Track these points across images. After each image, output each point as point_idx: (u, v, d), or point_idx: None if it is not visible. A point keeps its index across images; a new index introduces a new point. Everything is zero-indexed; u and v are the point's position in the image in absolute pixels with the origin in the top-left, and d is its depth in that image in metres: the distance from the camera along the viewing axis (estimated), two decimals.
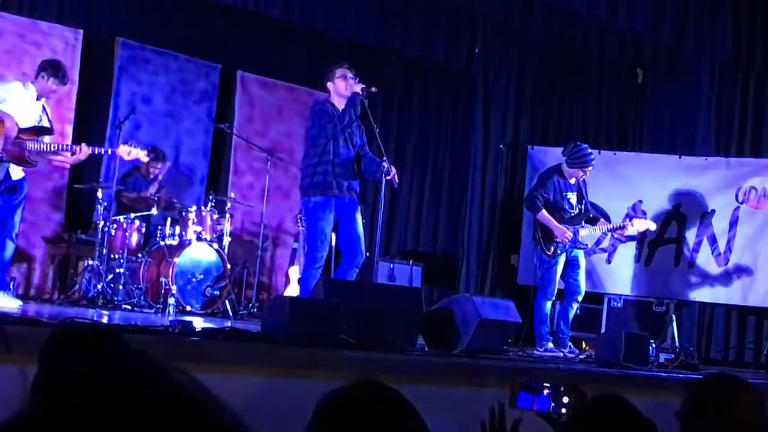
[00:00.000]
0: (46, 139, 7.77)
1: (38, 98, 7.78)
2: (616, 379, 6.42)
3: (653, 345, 8.15)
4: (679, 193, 11.10)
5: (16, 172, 7.63)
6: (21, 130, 7.52)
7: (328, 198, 7.56)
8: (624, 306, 10.87)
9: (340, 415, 1.92)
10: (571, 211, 8.92)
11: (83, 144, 7.89)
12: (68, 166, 8.70)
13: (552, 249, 8.84)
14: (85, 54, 10.50)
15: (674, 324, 10.30)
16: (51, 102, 7.96)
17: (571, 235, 8.80)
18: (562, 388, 3.05)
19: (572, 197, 8.97)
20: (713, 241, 10.97)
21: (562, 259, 8.89)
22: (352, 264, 7.63)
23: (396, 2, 11.46)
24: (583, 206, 9.03)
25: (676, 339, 10.13)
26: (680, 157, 11.34)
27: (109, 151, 8.67)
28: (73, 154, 7.85)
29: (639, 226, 9.36)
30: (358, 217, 7.77)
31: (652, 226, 9.52)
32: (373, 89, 7.75)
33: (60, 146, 7.93)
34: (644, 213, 11.02)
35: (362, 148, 7.88)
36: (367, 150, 7.94)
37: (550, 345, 8.82)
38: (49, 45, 10.23)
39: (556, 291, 8.98)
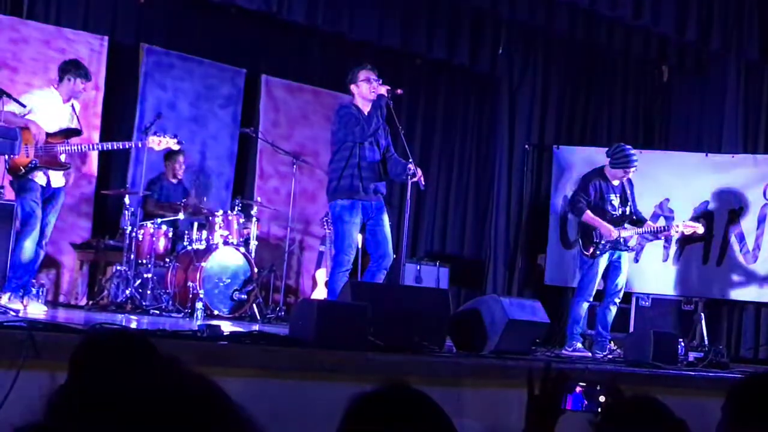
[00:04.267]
0: (75, 140, 7.85)
1: (66, 101, 7.85)
2: (646, 379, 6.39)
3: (682, 344, 8.10)
4: (707, 191, 11.04)
5: (57, 180, 7.71)
6: (49, 135, 7.59)
7: (355, 201, 7.56)
8: (652, 305, 10.81)
9: (369, 418, 1.92)
10: (614, 212, 8.83)
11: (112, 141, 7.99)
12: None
13: (591, 249, 8.78)
14: (110, 60, 10.57)
15: (703, 322, 10.22)
16: (80, 104, 8.04)
17: (617, 233, 8.72)
18: (598, 387, 3.01)
19: (615, 199, 8.87)
20: (741, 238, 10.90)
21: (603, 261, 8.79)
22: (381, 266, 7.62)
23: (419, 5, 11.46)
24: (627, 208, 8.93)
25: (705, 337, 10.06)
26: (707, 155, 11.28)
27: (140, 144, 8.69)
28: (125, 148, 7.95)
29: (687, 229, 9.18)
30: (385, 219, 7.76)
31: (700, 229, 9.33)
32: (399, 91, 7.73)
33: (90, 146, 8.02)
34: (671, 211, 10.97)
35: (387, 150, 7.87)
36: (392, 152, 7.93)
37: (579, 345, 8.77)
38: (74, 52, 10.27)
39: (594, 292, 8.88)
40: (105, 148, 7.97)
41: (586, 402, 2.99)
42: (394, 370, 5.28)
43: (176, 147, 8.71)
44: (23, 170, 7.47)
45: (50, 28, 10.23)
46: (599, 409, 2.96)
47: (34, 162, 7.47)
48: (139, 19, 10.95)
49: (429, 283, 11.21)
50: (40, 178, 7.58)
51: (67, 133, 7.81)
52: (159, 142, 8.40)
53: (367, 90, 7.69)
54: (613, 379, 3.07)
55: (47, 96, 7.78)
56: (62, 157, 7.70)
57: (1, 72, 9.78)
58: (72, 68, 7.92)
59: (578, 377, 3.03)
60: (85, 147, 8.08)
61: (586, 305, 8.87)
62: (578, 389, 2.99)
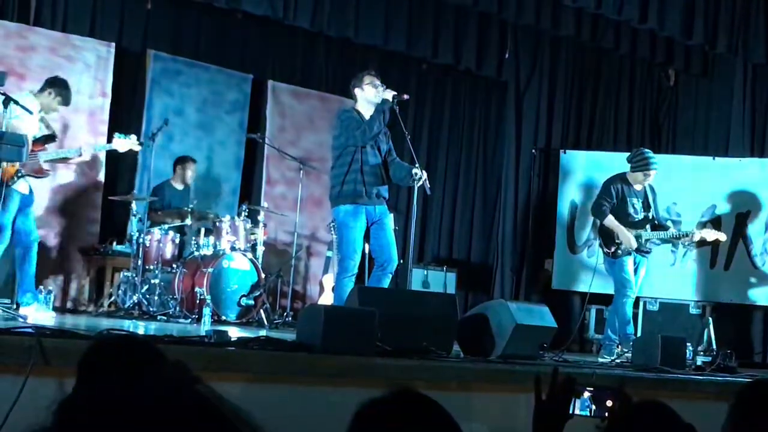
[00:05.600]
0: (52, 146, 7.82)
1: (39, 110, 7.77)
2: (653, 383, 6.37)
3: (690, 348, 8.08)
4: (714, 195, 11.03)
5: (33, 184, 7.68)
6: (34, 142, 7.53)
7: (359, 206, 7.56)
8: (660, 309, 10.80)
9: (377, 423, 1.92)
10: (636, 216, 8.84)
11: (84, 144, 7.96)
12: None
13: (613, 249, 8.78)
14: (117, 67, 10.59)
15: (711, 326, 10.21)
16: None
17: (635, 244, 8.73)
18: (606, 392, 3.00)
19: (637, 203, 8.89)
20: (749, 242, 10.88)
21: (630, 261, 8.80)
22: (386, 271, 7.63)
23: (425, 9, 11.47)
24: (650, 213, 8.93)
25: (713, 342, 10.04)
26: (714, 159, 11.27)
27: (109, 147, 8.52)
28: (79, 156, 7.89)
29: (708, 235, 9.16)
30: (389, 223, 7.77)
31: (723, 237, 9.35)
32: (405, 96, 7.73)
33: (69, 152, 7.97)
34: (678, 215, 10.96)
35: (389, 154, 7.87)
36: (394, 156, 7.94)
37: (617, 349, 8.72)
38: (81, 59, 10.32)
39: (635, 288, 8.85)
40: (79, 153, 7.89)
41: (593, 407, 2.98)
42: (401, 375, 5.28)
43: (138, 148, 8.55)
44: (16, 179, 7.39)
45: (57, 34, 10.26)
46: (606, 415, 2.95)
47: (20, 171, 7.41)
48: (146, 25, 10.97)
49: (436, 288, 11.22)
50: (22, 186, 7.53)
51: (46, 140, 7.78)
52: (122, 143, 8.26)
53: (372, 94, 7.69)
54: (621, 384, 3.06)
55: (31, 101, 7.68)
56: (45, 165, 7.67)
57: (9, 79, 9.79)
58: (58, 86, 7.86)
59: (586, 382, 3.02)
60: (63, 154, 7.99)
61: (630, 303, 8.81)
62: (586, 394, 2.98)
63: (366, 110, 7.71)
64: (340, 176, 7.61)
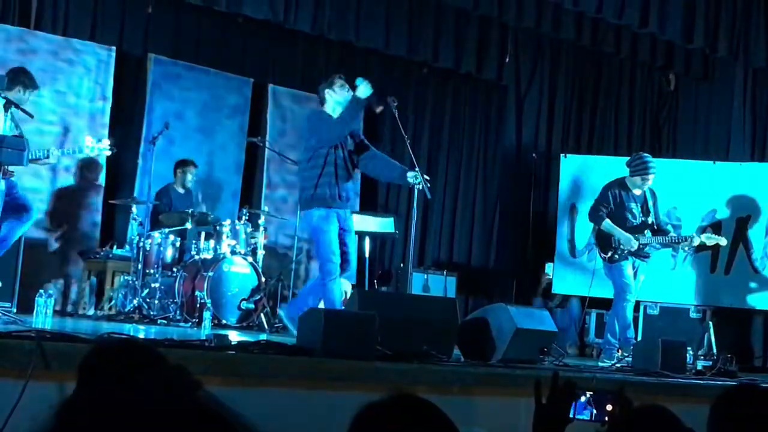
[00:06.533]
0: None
1: (6, 109, 7.65)
2: (654, 387, 6.37)
3: (690, 352, 8.08)
4: (714, 199, 11.02)
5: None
6: None
7: (331, 210, 7.59)
8: (660, 313, 10.79)
9: (377, 427, 1.92)
10: (634, 221, 8.83)
11: (52, 147, 7.90)
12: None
13: (610, 254, 8.78)
14: (117, 71, 10.60)
15: (711, 331, 10.21)
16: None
17: (637, 244, 8.73)
18: (606, 395, 2.99)
19: (635, 208, 8.89)
20: (750, 246, 10.88)
21: (629, 265, 8.80)
22: (343, 273, 7.68)
23: (426, 13, 11.48)
24: (649, 218, 8.93)
25: (714, 346, 10.03)
26: (714, 163, 11.27)
27: (76, 149, 8.46)
28: (46, 158, 7.81)
29: (708, 240, 9.17)
30: (353, 225, 7.84)
31: (723, 242, 9.35)
32: (392, 100, 7.76)
33: (36, 152, 7.86)
34: (679, 219, 10.95)
35: (368, 149, 7.89)
36: (374, 151, 7.95)
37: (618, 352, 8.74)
38: (82, 62, 10.33)
39: (633, 294, 8.85)
40: (46, 155, 7.81)
41: (593, 411, 2.98)
42: (401, 379, 5.28)
43: (108, 152, 8.45)
44: None
45: (58, 38, 10.27)
46: (606, 418, 2.95)
47: None
48: (147, 29, 10.98)
49: (436, 292, 11.21)
50: None
51: None
52: (91, 143, 8.14)
53: (343, 96, 7.69)
54: (621, 388, 3.06)
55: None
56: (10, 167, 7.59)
57: None
58: (23, 77, 7.75)
59: (586, 386, 3.02)
60: (32, 154, 7.90)
61: (630, 307, 8.81)
62: (586, 398, 2.98)
63: (336, 113, 7.70)
64: (313, 179, 7.58)
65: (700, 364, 8.19)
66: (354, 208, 8.05)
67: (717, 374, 7.54)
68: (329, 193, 7.55)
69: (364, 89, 7.53)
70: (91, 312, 9.68)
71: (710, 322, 10.39)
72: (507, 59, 12.34)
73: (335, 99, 7.75)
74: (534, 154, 12.53)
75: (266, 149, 11.36)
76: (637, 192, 8.91)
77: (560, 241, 11.56)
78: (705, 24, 10.53)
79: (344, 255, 7.71)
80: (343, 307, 7.36)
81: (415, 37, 11.47)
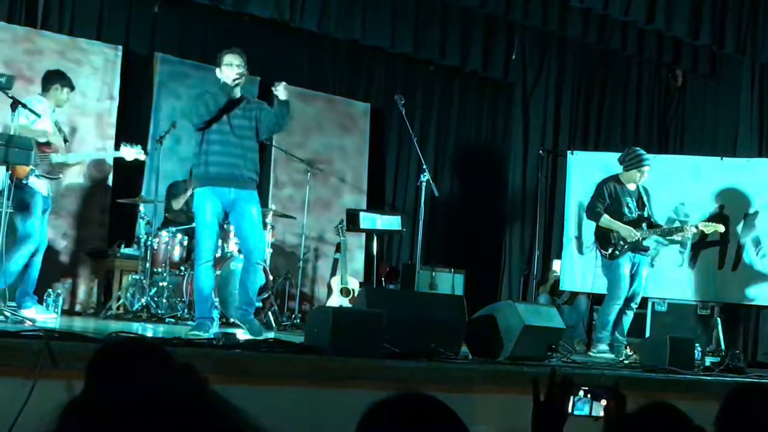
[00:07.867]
0: (62, 149, 7.82)
1: (54, 110, 7.81)
2: (662, 384, 6.36)
3: (698, 348, 8.07)
4: (722, 195, 10.99)
5: (50, 188, 7.70)
6: (42, 144, 7.53)
7: (207, 189, 7.28)
8: (668, 310, 10.77)
9: (385, 425, 1.92)
10: (630, 215, 8.86)
11: (92, 148, 7.97)
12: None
13: (610, 250, 8.79)
14: (124, 70, 10.61)
15: (719, 327, 10.19)
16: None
17: (637, 235, 8.74)
18: (601, 391, 3.00)
19: (631, 202, 8.92)
20: (757, 242, 10.85)
21: (627, 263, 8.81)
22: (250, 261, 7.52)
23: (432, 11, 11.48)
24: (645, 212, 8.95)
25: (722, 342, 10.02)
26: (722, 159, 11.24)
27: (116, 154, 8.60)
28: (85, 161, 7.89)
29: (707, 228, 9.19)
30: (252, 210, 7.45)
31: (721, 228, 9.37)
32: (398, 99, 7.74)
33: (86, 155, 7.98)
34: (686, 215, 10.93)
35: (261, 130, 7.55)
36: (266, 122, 7.58)
37: (603, 347, 8.77)
38: (89, 62, 10.34)
39: (625, 295, 8.86)
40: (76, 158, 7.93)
41: (589, 406, 2.99)
42: (409, 377, 5.28)
43: (143, 158, 8.60)
44: (30, 175, 7.40)
45: (65, 38, 10.29)
46: (602, 414, 2.96)
47: (33, 170, 7.40)
48: (153, 28, 11.00)
49: (444, 290, 11.21)
50: (41, 186, 7.55)
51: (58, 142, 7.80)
52: (129, 152, 8.32)
53: (229, 76, 7.36)
54: (616, 384, 3.07)
55: (39, 107, 7.64)
56: (57, 167, 7.69)
57: (17, 82, 9.80)
58: (59, 78, 7.89)
59: (584, 382, 3.02)
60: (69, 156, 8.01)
61: (617, 308, 8.83)
62: (582, 393, 2.99)
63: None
64: (195, 158, 7.33)
65: (708, 361, 8.18)
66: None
67: (725, 371, 7.52)
68: (206, 171, 7.26)
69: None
70: (99, 311, 9.69)
71: (718, 319, 10.38)
72: (513, 57, 12.33)
73: (222, 79, 7.45)
74: (541, 151, 12.52)
75: (273, 148, 11.36)
76: (631, 187, 8.95)
77: (567, 238, 11.55)
78: (712, 20, 10.52)
79: (245, 243, 7.54)
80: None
81: (421, 35, 11.47)
